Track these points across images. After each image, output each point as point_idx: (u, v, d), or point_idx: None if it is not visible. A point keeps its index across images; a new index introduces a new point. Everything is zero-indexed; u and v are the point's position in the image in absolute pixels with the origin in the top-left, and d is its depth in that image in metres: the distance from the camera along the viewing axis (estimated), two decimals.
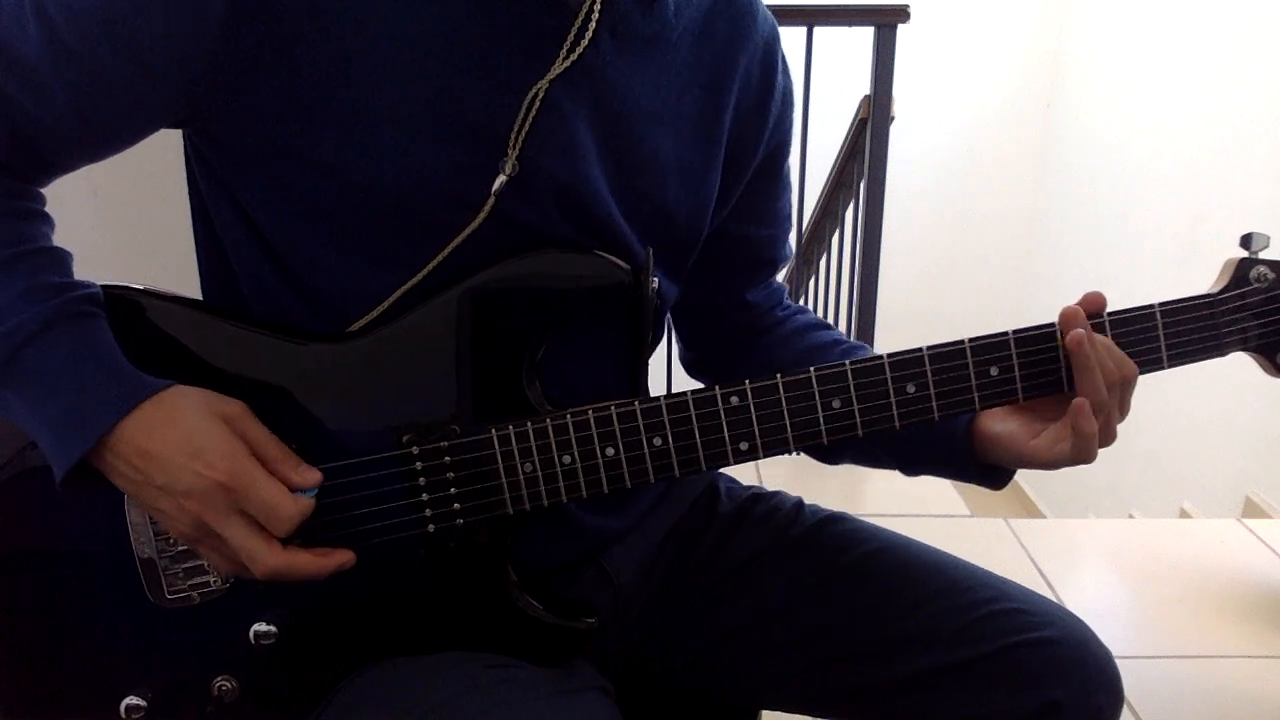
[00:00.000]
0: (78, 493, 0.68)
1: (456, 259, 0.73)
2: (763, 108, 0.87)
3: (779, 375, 0.75)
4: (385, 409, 0.74)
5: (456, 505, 0.74)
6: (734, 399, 0.75)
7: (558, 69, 0.72)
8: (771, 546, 0.93)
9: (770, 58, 0.87)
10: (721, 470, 1.00)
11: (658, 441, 0.75)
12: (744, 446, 0.75)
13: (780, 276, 1.02)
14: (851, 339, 0.96)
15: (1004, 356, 0.76)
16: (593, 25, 0.72)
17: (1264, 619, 1.97)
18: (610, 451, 0.74)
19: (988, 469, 0.84)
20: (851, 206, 3.03)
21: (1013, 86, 4.67)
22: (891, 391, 0.76)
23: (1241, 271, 0.79)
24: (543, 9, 0.71)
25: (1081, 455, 0.76)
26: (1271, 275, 0.79)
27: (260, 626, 0.75)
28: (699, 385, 0.77)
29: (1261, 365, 0.81)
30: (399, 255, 0.73)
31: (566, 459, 0.74)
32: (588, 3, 0.72)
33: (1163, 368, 0.78)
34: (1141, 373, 0.78)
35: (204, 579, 0.74)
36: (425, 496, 0.74)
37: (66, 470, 0.67)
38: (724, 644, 0.92)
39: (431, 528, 0.74)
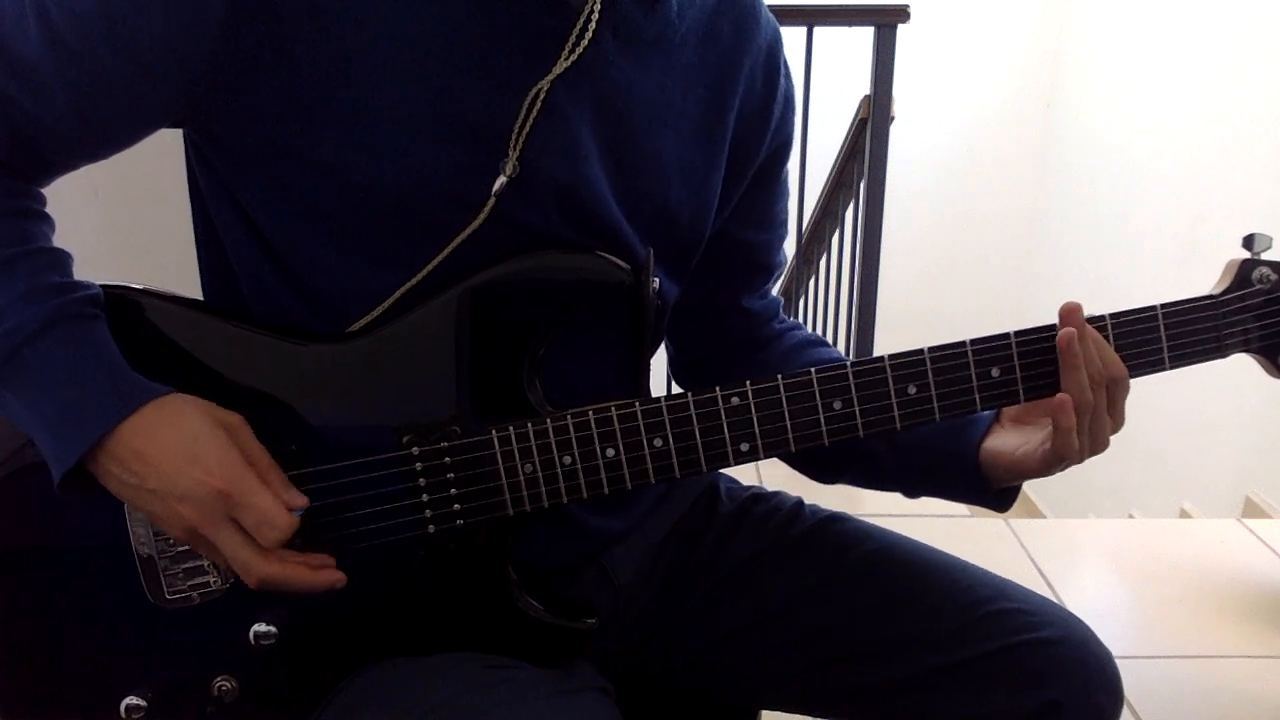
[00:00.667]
0: (74, 494, 0.68)
1: (457, 259, 0.73)
2: (765, 110, 0.87)
3: (779, 376, 0.75)
4: (385, 409, 0.73)
5: (457, 506, 0.74)
6: (735, 399, 0.75)
7: (559, 69, 0.72)
8: (772, 546, 0.93)
9: (773, 60, 0.87)
10: (722, 470, 1.00)
11: (658, 442, 0.74)
12: (745, 447, 0.75)
13: (776, 289, 1.02)
14: (851, 339, 0.96)
15: (1005, 357, 0.76)
16: (594, 25, 0.72)
17: (1264, 619, 1.97)
18: (611, 452, 0.74)
19: (992, 491, 0.84)
20: (851, 206, 3.03)
21: (1013, 86, 4.67)
22: (893, 392, 0.75)
23: (1244, 273, 0.79)
24: (543, 9, 0.71)
25: (1064, 451, 0.76)
26: (1274, 276, 0.78)
27: (260, 627, 0.74)
28: None
29: (1263, 366, 0.81)
30: (399, 255, 0.73)
31: (567, 459, 0.74)
32: (589, 3, 0.72)
33: (1165, 369, 0.79)
34: (1144, 374, 0.78)
35: (204, 579, 0.74)
36: (425, 497, 0.74)
37: (65, 471, 0.66)
38: (724, 644, 0.92)
39: (432, 528, 0.74)
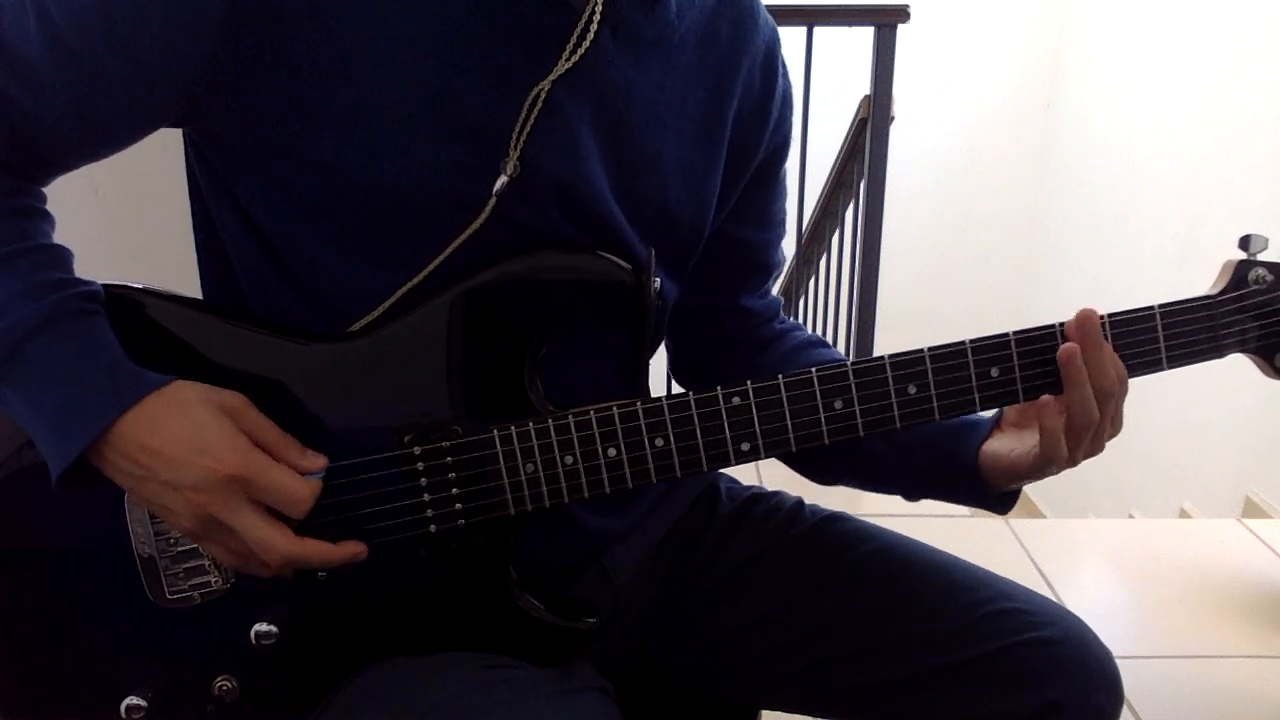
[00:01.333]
0: (72, 493, 0.68)
1: (457, 259, 0.73)
2: (764, 110, 0.87)
3: (780, 376, 0.75)
4: (386, 409, 0.74)
5: (458, 505, 0.74)
6: (736, 399, 0.75)
7: (560, 69, 0.72)
8: (772, 546, 0.93)
9: (771, 60, 0.87)
10: (722, 470, 1.00)
11: (660, 442, 0.75)
12: (746, 447, 0.75)
13: (776, 289, 1.02)
14: (851, 339, 0.96)
15: (1005, 357, 0.76)
16: (594, 26, 0.72)
17: (1264, 619, 1.97)
18: (612, 452, 0.74)
19: (992, 494, 0.85)
20: (851, 206, 3.03)
21: (1013, 86, 4.67)
22: (893, 392, 0.76)
23: (1240, 273, 0.79)
24: (544, 9, 0.71)
25: (1051, 453, 0.76)
26: (1270, 277, 0.79)
27: (261, 626, 0.75)
28: None
29: (1260, 367, 0.82)
30: (399, 255, 0.73)
31: (568, 459, 0.74)
32: (590, 3, 0.72)
33: (1162, 369, 0.79)
34: (1141, 374, 0.78)
35: (204, 579, 0.74)
36: (427, 497, 0.74)
37: (64, 467, 0.66)
38: (724, 644, 0.92)
39: (433, 528, 0.74)
